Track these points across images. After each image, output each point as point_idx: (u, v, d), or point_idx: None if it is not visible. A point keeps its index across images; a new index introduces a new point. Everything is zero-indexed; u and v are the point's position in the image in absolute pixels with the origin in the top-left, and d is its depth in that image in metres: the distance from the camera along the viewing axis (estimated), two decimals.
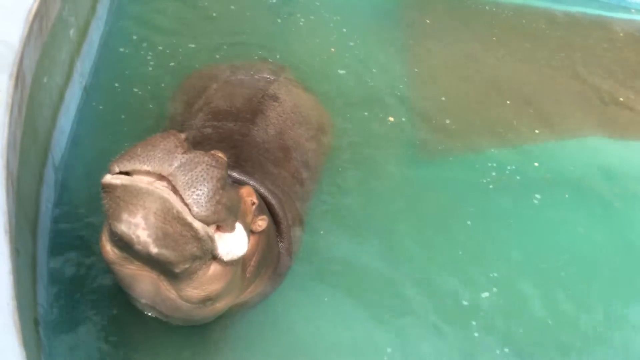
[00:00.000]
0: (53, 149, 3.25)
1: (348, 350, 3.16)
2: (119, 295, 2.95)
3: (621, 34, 5.76)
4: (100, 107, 3.84)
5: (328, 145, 3.89)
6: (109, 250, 2.42)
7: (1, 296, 1.98)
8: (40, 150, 3.05)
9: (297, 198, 3.31)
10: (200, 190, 2.11)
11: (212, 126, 3.31)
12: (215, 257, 2.33)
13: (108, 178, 2.14)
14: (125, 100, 3.94)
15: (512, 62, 5.17)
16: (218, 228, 2.28)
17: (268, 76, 3.85)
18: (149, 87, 4.07)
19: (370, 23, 5.22)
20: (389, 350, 3.17)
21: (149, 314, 2.72)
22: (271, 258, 2.97)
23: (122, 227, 2.13)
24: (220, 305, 2.63)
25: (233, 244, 2.37)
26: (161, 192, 2.08)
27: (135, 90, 4.02)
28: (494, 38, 5.39)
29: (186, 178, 2.09)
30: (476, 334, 3.32)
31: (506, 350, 3.29)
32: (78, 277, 3.01)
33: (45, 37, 3.08)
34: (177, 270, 2.26)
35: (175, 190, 2.10)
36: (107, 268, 2.96)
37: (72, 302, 2.92)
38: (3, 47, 2.59)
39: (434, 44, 5.19)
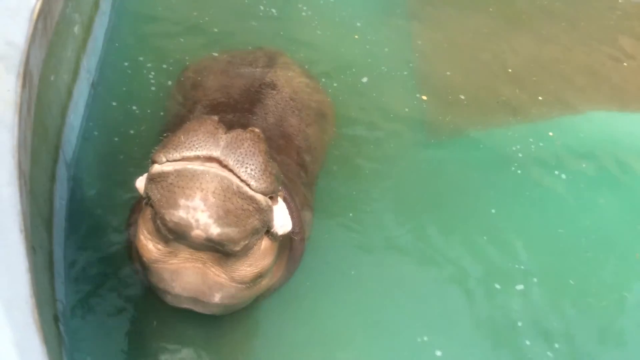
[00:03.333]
0: (64, 146, 3.28)
1: (375, 335, 3.17)
2: (138, 288, 2.99)
3: (623, 3, 5.66)
4: (109, 101, 3.85)
5: (331, 128, 3.88)
6: (152, 248, 2.41)
7: (20, 294, 2.00)
8: (51, 148, 3.07)
9: (302, 183, 3.30)
10: (253, 164, 2.14)
11: None
12: (268, 231, 2.36)
13: (158, 167, 2.15)
14: (133, 91, 3.95)
15: (516, 36, 5.11)
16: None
17: (265, 63, 3.82)
18: (161, 66, 4.10)
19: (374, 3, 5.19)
20: (425, 338, 3.16)
21: (184, 307, 2.69)
22: (286, 242, 2.98)
23: (180, 214, 2.12)
24: (264, 284, 2.66)
25: (283, 216, 2.40)
26: (217, 171, 2.09)
27: (145, 74, 4.04)
28: (497, 11, 5.32)
29: (236, 156, 2.12)
30: (528, 342, 3.26)
31: (556, 345, 3.26)
32: (95, 272, 3.04)
33: (50, 35, 3.08)
34: (237, 249, 2.26)
35: (228, 170, 2.11)
36: (119, 260, 3.04)
37: (90, 297, 2.95)
38: (9, 47, 2.60)
39: (438, 20, 5.15)
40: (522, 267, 3.51)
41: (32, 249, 2.27)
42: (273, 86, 3.61)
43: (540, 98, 4.59)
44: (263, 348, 3.02)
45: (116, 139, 3.61)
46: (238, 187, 2.11)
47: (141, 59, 4.14)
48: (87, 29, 3.89)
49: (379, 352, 3.11)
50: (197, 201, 2.09)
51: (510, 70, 4.78)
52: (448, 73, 4.64)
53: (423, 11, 5.23)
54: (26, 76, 2.60)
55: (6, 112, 2.40)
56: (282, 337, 3.06)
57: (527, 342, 3.23)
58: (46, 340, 1.99)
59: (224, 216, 2.12)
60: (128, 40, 4.28)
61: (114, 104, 3.83)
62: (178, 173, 2.10)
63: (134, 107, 3.82)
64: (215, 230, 2.14)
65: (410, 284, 3.35)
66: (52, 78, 3.12)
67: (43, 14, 2.92)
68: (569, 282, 3.52)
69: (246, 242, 2.26)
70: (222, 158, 2.11)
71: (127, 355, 2.83)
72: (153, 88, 3.96)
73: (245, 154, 2.13)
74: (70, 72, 3.52)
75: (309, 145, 3.54)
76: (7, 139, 2.33)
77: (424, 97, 4.38)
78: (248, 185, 2.13)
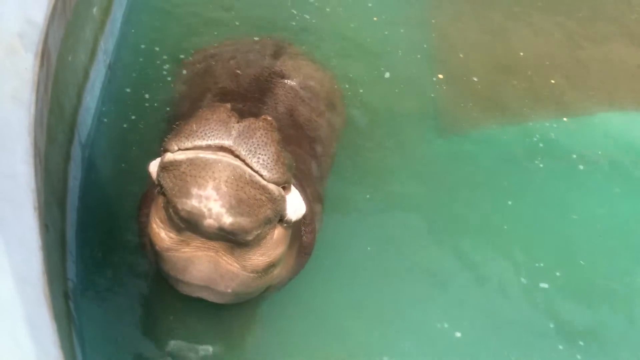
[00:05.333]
0: (79, 127, 3.29)
1: (392, 320, 3.17)
2: (148, 271, 3.00)
3: None
4: (124, 84, 3.86)
5: (341, 118, 3.86)
6: (164, 236, 2.41)
7: (32, 271, 2.02)
8: (66, 128, 3.09)
9: (313, 174, 3.29)
10: (265, 154, 2.13)
11: None
12: (281, 220, 2.35)
13: (170, 156, 2.14)
14: (148, 76, 3.94)
15: (529, 21, 5.06)
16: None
17: (273, 52, 3.81)
18: (176, 53, 4.08)
19: None
20: (445, 325, 3.17)
21: (195, 296, 2.70)
22: (297, 231, 2.97)
23: (193, 203, 2.11)
24: (275, 273, 2.65)
25: (296, 203, 2.39)
26: (229, 160, 2.08)
27: (161, 59, 4.03)
28: (518, 6, 5.28)
29: (248, 145, 2.11)
30: (561, 346, 3.24)
31: (581, 343, 3.25)
32: (106, 253, 3.06)
33: (69, 15, 3.09)
34: (249, 238, 2.26)
35: (240, 160, 2.10)
36: (130, 242, 3.05)
37: (100, 277, 2.98)
38: (28, 25, 2.61)
39: (456, 10, 5.11)
40: (541, 259, 3.52)
41: (45, 226, 2.28)
42: (282, 75, 3.60)
43: (552, 81, 4.57)
44: (275, 337, 3.02)
45: (131, 122, 3.62)
46: (251, 176, 2.10)
47: (157, 44, 4.14)
48: (106, 10, 3.90)
49: (397, 337, 3.11)
50: (209, 190, 2.09)
51: (522, 54, 4.75)
52: (461, 55, 4.62)
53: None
54: (44, 55, 2.61)
55: (23, 90, 2.41)
56: (297, 325, 3.06)
57: (560, 347, 3.23)
58: (56, 317, 2.01)
59: (237, 205, 2.11)
60: (146, 23, 4.28)
61: (129, 88, 3.84)
62: (190, 162, 2.09)
63: (148, 93, 3.82)
64: (227, 220, 2.14)
65: (428, 273, 3.35)
66: (69, 58, 3.13)
67: None
68: (580, 262, 3.53)
69: (259, 231, 2.26)
70: (234, 147, 2.10)
71: (136, 336, 2.85)
72: (168, 78, 3.94)
73: (258, 144, 2.12)
74: (87, 53, 3.53)
75: (319, 136, 3.53)
76: (24, 116, 2.34)
77: (440, 76, 4.37)
78: (260, 175, 2.13)
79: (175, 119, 3.32)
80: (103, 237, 3.10)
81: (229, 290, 2.58)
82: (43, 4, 2.75)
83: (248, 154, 2.10)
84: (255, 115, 3.19)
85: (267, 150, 2.13)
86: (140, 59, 4.02)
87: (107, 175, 3.37)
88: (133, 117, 3.66)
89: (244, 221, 2.16)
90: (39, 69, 2.51)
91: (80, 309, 2.77)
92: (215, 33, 4.34)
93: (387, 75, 4.33)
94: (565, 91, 4.54)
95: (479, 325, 3.20)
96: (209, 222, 2.15)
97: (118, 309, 2.91)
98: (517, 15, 5.11)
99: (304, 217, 3.01)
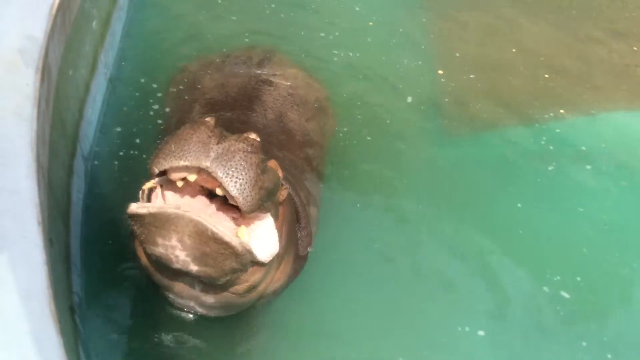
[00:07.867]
0: (81, 140, 3.30)
1: (407, 325, 3.14)
2: (151, 284, 3.00)
3: None
4: (125, 97, 3.87)
5: (330, 122, 3.88)
6: (145, 255, 2.44)
7: (37, 286, 2.02)
8: (68, 142, 3.10)
9: (306, 178, 3.29)
10: (242, 179, 2.12)
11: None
12: (254, 263, 2.35)
13: (134, 208, 2.17)
14: (149, 87, 3.96)
15: (535, 31, 5.08)
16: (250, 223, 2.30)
17: (259, 61, 3.84)
18: (176, 63, 4.09)
19: None
20: (467, 328, 3.13)
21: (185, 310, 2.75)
22: (293, 236, 2.97)
23: (159, 250, 2.18)
24: (261, 289, 2.66)
25: (267, 241, 2.39)
26: (191, 215, 2.10)
27: (161, 71, 4.04)
28: (515, 5, 5.30)
29: (226, 169, 2.10)
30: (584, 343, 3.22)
31: (609, 356, 3.20)
32: (111, 266, 3.05)
33: (68, 30, 3.11)
34: (219, 282, 2.32)
35: (216, 182, 2.12)
36: (134, 254, 3.03)
37: (106, 290, 2.97)
38: (28, 41, 2.62)
39: (454, 12, 5.13)
40: (558, 266, 3.49)
41: (50, 241, 2.29)
42: (270, 83, 3.63)
43: (546, 75, 4.60)
44: (280, 345, 3.01)
45: (133, 132, 3.63)
46: (213, 233, 2.11)
47: (158, 53, 4.15)
48: (105, 23, 3.92)
49: (416, 341, 3.08)
50: (174, 241, 2.14)
51: (514, 50, 4.80)
52: (457, 55, 4.63)
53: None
54: (45, 70, 2.63)
55: (25, 105, 2.43)
56: (303, 332, 3.05)
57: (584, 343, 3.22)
58: (62, 332, 2.00)
59: (201, 257, 2.16)
60: (145, 35, 4.31)
61: (131, 100, 3.85)
62: (153, 216, 2.13)
63: (150, 103, 3.83)
64: (194, 268, 2.20)
65: (441, 279, 3.32)
66: (70, 72, 3.15)
67: (62, 9, 2.95)
68: (598, 268, 3.52)
69: (227, 277, 2.29)
70: (211, 169, 2.10)
71: (142, 350, 2.84)
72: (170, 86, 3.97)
73: (236, 167, 2.11)
74: (88, 66, 3.55)
75: (310, 140, 3.54)
76: (26, 132, 2.36)
77: (440, 72, 4.39)
78: (236, 200, 2.12)
79: (166, 133, 3.33)
80: (108, 249, 3.10)
81: (214, 307, 2.63)
82: (42, 20, 2.77)
83: (224, 177, 2.10)
84: (244, 123, 3.21)
85: (245, 174, 2.12)
86: (140, 72, 4.04)
87: (110, 188, 3.37)
88: (135, 128, 3.67)
89: (209, 270, 2.21)
90: (40, 84, 2.53)
91: (86, 323, 2.76)
92: (218, 45, 4.35)
93: (405, 100, 4.32)
94: (559, 86, 4.56)
95: (501, 331, 3.18)
96: (177, 266, 2.21)
97: (124, 323, 2.90)
98: (508, 13, 5.14)
99: (300, 221, 3.02)
